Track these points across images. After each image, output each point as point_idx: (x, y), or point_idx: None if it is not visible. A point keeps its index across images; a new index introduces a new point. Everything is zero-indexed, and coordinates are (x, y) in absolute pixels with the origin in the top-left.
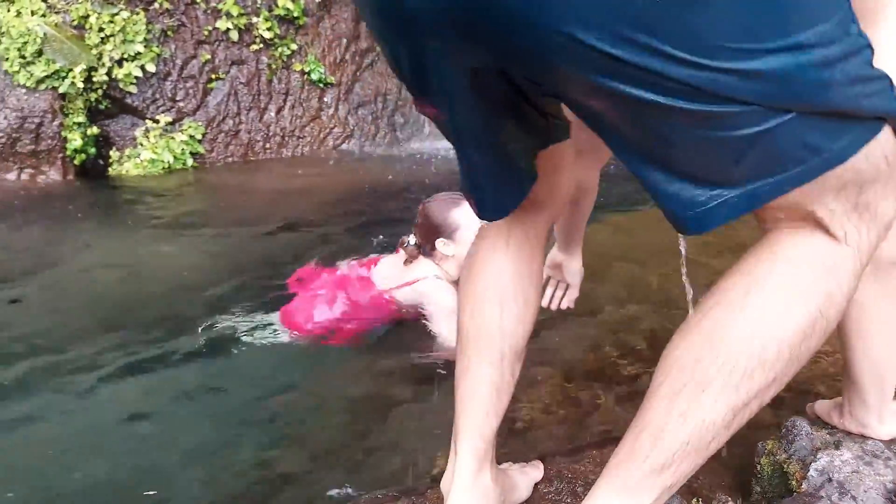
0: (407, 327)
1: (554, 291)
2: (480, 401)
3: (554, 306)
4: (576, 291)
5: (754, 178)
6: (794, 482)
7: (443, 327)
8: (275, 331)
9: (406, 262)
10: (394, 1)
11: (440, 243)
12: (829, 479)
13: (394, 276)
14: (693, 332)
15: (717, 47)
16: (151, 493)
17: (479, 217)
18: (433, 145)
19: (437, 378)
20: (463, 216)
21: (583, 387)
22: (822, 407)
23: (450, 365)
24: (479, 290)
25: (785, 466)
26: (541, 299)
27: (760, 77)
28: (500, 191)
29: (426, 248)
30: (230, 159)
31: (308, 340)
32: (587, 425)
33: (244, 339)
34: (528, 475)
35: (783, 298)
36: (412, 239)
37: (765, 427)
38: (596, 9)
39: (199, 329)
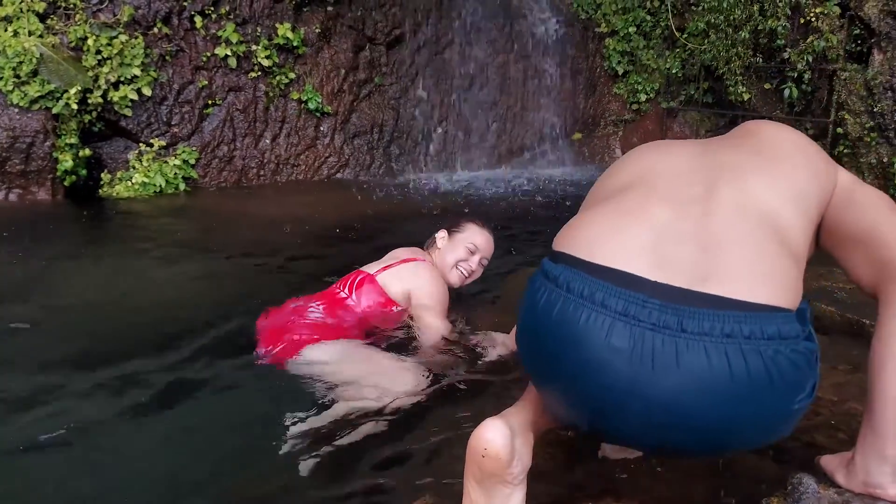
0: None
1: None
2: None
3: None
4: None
5: None
6: None
7: (435, 319)
8: (258, 357)
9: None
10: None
11: (440, 234)
12: None
13: (386, 259)
14: None
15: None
16: None
17: None
18: (428, 177)
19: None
20: (473, 232)
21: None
22: (828, 463)
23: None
24: None
25: None
26: None
27: None
28: None
29: (429, 239)
30: (223, 185)
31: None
32: (585, 474)
33: (228, 366)
34: None
35: None
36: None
37: (768, 481)
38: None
39: (181, 356)
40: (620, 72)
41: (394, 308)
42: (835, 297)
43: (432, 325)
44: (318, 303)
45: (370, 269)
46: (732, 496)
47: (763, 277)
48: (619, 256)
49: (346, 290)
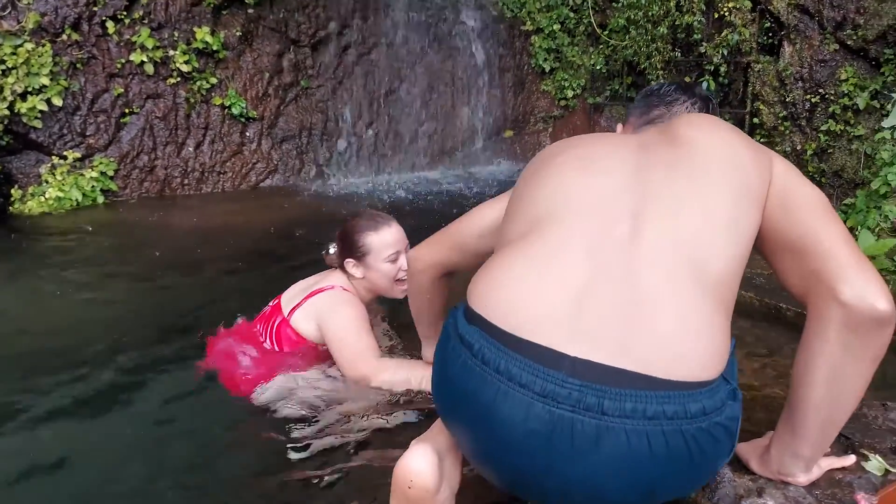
0: None
1: None
2: None
3: None
4: None
5: None
6: None
7: (344, 355)
8: (185, 382)
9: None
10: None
11: (349, 265)
12: None
13: (300, 292)
14: None
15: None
16: None
17: None
18: (358, 179)
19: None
20: (375, 242)
21: None
22: (742, 450)
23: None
24: None
25: None
26: None
27: None
28: None
29: (341, 261)
30: (145, 196)
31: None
32: None
33: (153, 392)
34: None
35: None
36: (332, 247)
37: None
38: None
39: (104, 382)
40: (547, 69)
41: (319, 347)
42: (753, 283)
43: (350, 373)
44: (248, 351)
45: (286, 305)
46: None
47: (690, 350)
48: (536, 327)
49: (268, 340)
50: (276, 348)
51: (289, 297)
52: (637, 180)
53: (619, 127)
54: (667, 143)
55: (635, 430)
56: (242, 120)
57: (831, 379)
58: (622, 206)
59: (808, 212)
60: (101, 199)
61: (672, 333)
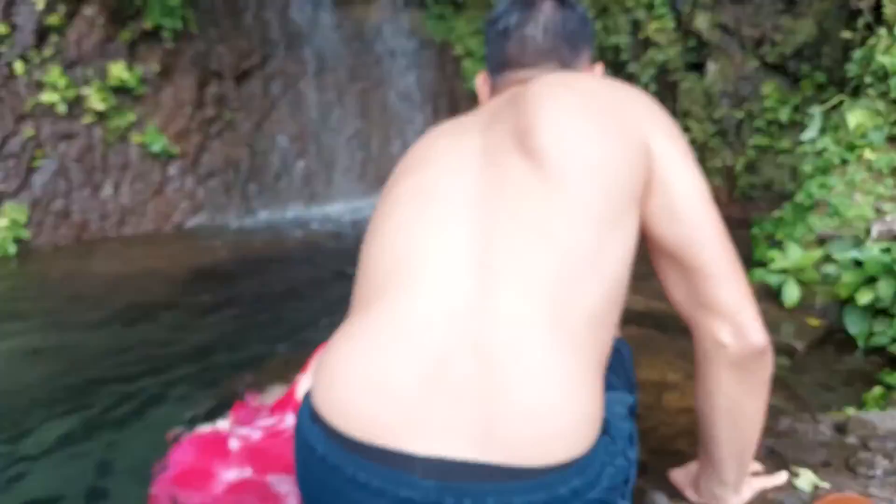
0: None
1: None
2: None
3: None
4: None
5: None
6: None
7: None
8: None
9: None
10: None
11: None
12: None
13: None
14: None
15: None
16: None
17: None
18: (290, 213)
19: None
20: None
21: None
22: (676, 478)
23: None
24: None
25: None
26: None
27: None
28: None
29: None
30: (61, 243)
31: None
32: None
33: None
34: None
35: None
36: None
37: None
38: None
39: (20, 449)
40: None
41: None
42: None
43: None
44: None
45: None
46: None
47: (559, 428)
48: (380, 428)
49: None
50: None
51: None
52: (483, 215)
53: (482, 93)
54: (517, 151)
55: None
56: (164, 157)
57: (733, 413)
58: (469, 257)
59: (687, 212)
60: (12, 250)
61: (537, 411)
